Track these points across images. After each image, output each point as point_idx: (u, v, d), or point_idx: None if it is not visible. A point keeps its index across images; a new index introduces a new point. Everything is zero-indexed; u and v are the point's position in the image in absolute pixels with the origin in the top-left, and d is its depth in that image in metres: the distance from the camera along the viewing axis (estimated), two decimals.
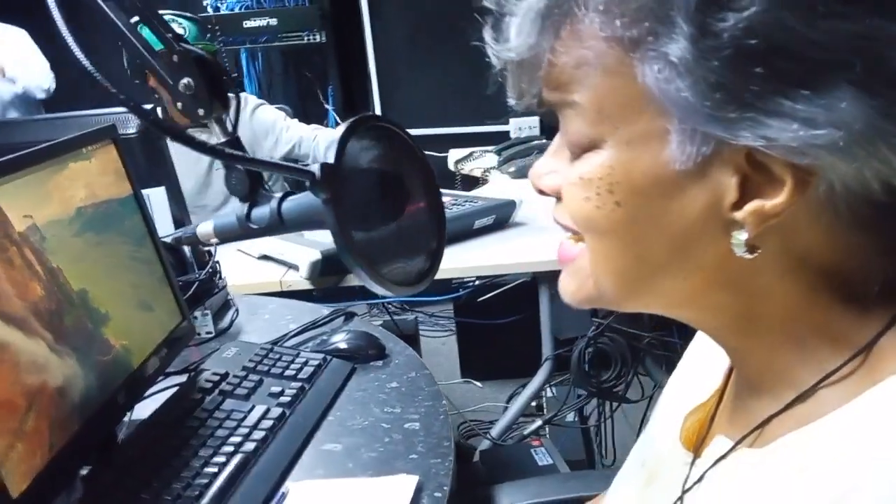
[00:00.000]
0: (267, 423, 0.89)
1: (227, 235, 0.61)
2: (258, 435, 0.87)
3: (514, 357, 2.37)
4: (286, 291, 1.55)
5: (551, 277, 1.63)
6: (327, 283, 1.54)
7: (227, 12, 2.91)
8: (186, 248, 1.25)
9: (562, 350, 1.71)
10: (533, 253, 1.54)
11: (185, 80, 0.57)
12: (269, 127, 2.41)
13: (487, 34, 0.45)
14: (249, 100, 2.45)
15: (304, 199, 0.56)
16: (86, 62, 0.43)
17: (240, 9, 2.90)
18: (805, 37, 0.35)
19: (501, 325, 2.32)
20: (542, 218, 1.76)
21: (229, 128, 0.62)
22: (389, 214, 0.54)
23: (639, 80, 0.39)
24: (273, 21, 2.89)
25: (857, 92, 0.35)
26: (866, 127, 0.35)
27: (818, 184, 0.38)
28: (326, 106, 3.13)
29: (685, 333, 1.66)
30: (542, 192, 0.49)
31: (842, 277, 0.42)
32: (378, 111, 3.04)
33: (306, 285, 1.55)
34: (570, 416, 1.98)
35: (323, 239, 1.59)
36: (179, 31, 2.25)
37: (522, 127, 2.69)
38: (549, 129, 2.77)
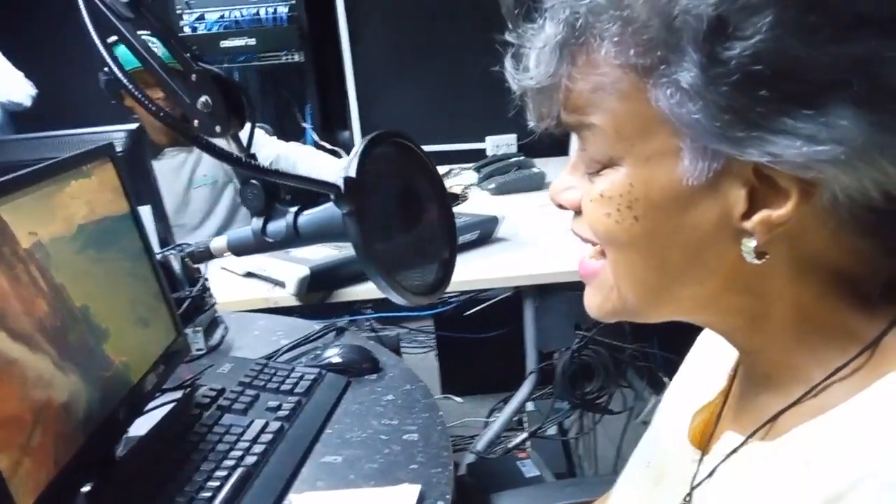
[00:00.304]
0: (267, 437, 0.90)
1: (241, 249, 0.62)
2: (258, 448, 0.88)
3: (493, 372, 2.38)
4: (272, 308, 1.55)
5: (535, 291, 1.66)
6: (314, 299, 1.55)
7: (204, 32, 2.91)
8: (176, 265, 1.26)
9: (545, 363, 1.74)
10: (517, 268, 1.57)
11: (203, 99, 0.59)
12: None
13: (508, 63, 0.49)
14: None
15: (320, 213, 0.58)
16: (129, 84, 0.44)
17: (218, 29, 2.91)
18: (807, 60, 0.38)
19: (481, 341, 2.34)
20: (525, 233, 1.79)
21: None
22: (406, 226, 0.56)
23: (652, 103, 0.42)
24: (251, 41, 2.90)
25: (856, 109, 0.38)
26: (866, 142, 0.38)
27: (822, 194, 0.41)
28: (304, 125, 3.14)
29: (665, 345, 1.70)
30: (561, 207, 0.52)
31: (848, 279, 0.45)
32: (357, 130, 3.05)
33: (293, 302, 1.55)
34: (551, 430, 2.01)
35: (310, 255, 1.60)
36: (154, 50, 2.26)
37: (500, 144, 2.73)
38: (526, 147, 2.82)
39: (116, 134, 1.55)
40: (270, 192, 0.61)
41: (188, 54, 0.60)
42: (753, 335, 0.49)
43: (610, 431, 2.00)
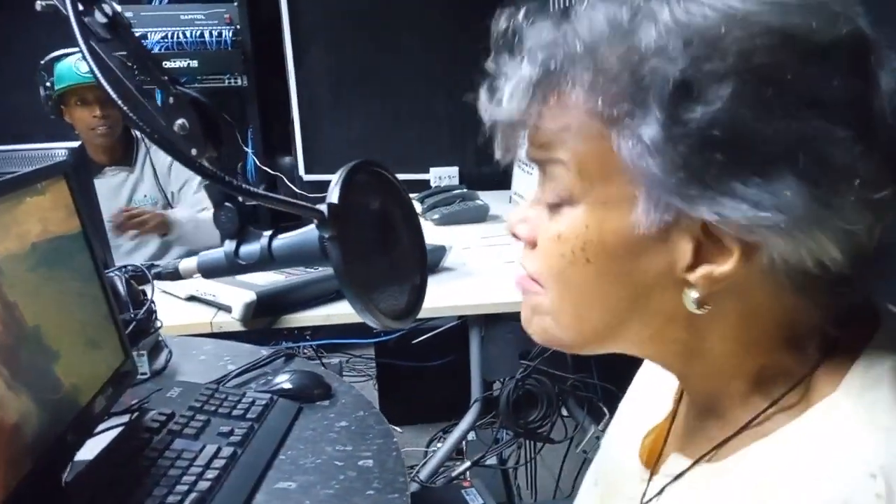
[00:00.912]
0: (220, 463, 0.89)
1: (212, 271, 0.63)
2: (212, 474, 0.87)
3: (432, 402, 2.39)
4: (214, 333, 1.53)
5: (481, 320, 1.69)
6: (260, 324, 1.54)
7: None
8: (120, 287, 1.23)
9: (487, 392, 1.76)
10: (463, 297, 1.59)
11: (180, 121, 0.59)
12: (187, 175, 2.36)
13: (482, 94, 0.51)
14: None
15: (296, 237, 0.59)
16: (121, 103, 0.45)
17: (160, 49, 2.87)
18: (760, 131, 0.41)
19: (420, 370, 2.35)
20: (471, 264, 1.82)
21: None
22: (382, 252, 0.58)
23: (615, 150, 0.45)
24: (193, 63, 2.88)
25: (800, 182, 0.41)
26: (806, 214, 0.41)
27: (761, 257, 0.44)
28: (245, 149, 3.12)
29: (604, 375, 1.75)
30: (516, 237, 0.54)
31: (784, 327, 0.49)
32: (300, 157, 3.05)
33: (237, 327, 1.54)
34: (490, 459, 2.02)
35: (257, 280, 1.58)
36: (87, 73, 2.21)
37: (442, 176, 2.77)
38: (468, 179, 2.87)
39: (58, 151, 1.52)
40: (244, 215, 0.62)
41: (165, 77, 0.60)
42: (693, 368, 0.53)
43: (548, 461, 2.03)
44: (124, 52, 0.62)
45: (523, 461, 1.92)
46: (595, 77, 0.44)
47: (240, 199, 0.62)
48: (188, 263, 0.64)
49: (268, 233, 0.62)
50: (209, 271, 0.63)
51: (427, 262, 0.64)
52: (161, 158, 2.36)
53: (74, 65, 2.17)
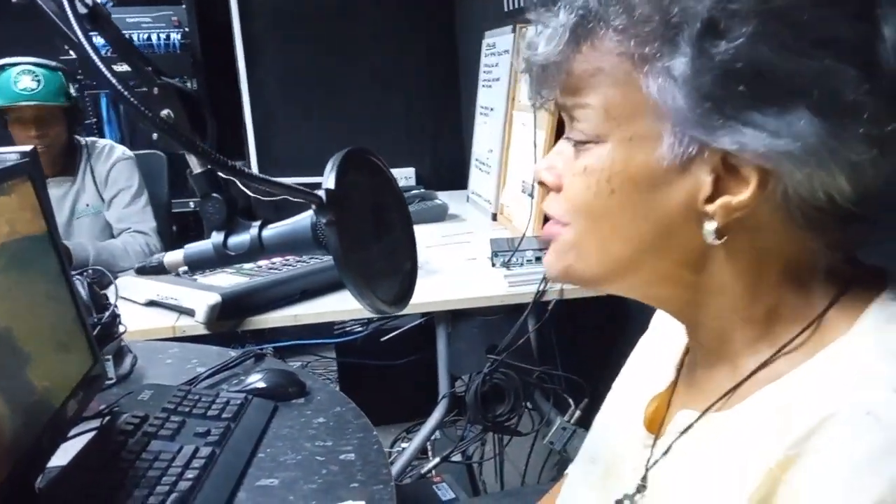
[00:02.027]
0: (199, 463, 0.88)
1: (200, 264, 0.62)
2: (192, 474, 0.85)
3: (395, 402, 2.39)
4: (179, 337, 1.50)
5: (447, 317, 1.70)
6: (224, 327, 1.52)
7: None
8: (83, 291, 1.21)
9: (452, 389, 1.77)
10: (429, 294, 1.60)
11: (165, 112, 0.59)
12: (122, 185, 2.31)
13: (523, 42, 0.54)
14: (117, 150, 2.36)
15: (288, 226, 0.59)
16: (116, 82, 0.44)
17: (107, 52, 2.80)
18: (778, 67, 0.45)
19: (384, 370, 2.35)
20: (434, 262, 1.83)
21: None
22: (376, 238, 0.58)
23: (643, 90, 0.48)
24: (155, 67, 2.81)
25: (813, 114, 0.45)
26: (817, 142, 0.45)
27: (777, 186, 0.47)
28: None
29: (570, 366, 1.78)
30: (542, 185, 0.56)
31: (794, 267, 0.52)
32: (254, 160, 3.01)
33: (201, 330, 1.51)
34: (456, 455, 2.03)
35: (220, 282, 1.56)
36: (33, 84, 2.13)
37: (399, 177, 2.77)
38: (425, 179, 2.89)
39: (10, 156, 1.47)
40: (232, 205, 0.62)
41: (149, 67, 0.60)
42: (703, 311, 0.55)
43: (512, 456, 2.05)
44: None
45: (489, 456, 1.93)
46: (628, 20, 0.47)
47: (228, 189, 0.62)
48: (174, 256, 0.64)
49: (256, 223, 0.61)
50: (197, 263, 0.63)
51: (416, 247, 0.65)
52: (100, 167, 2.30)
53: (14, 79, 2.08)
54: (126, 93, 0.46)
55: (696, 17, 0.45)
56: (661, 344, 0.69)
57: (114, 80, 0.46)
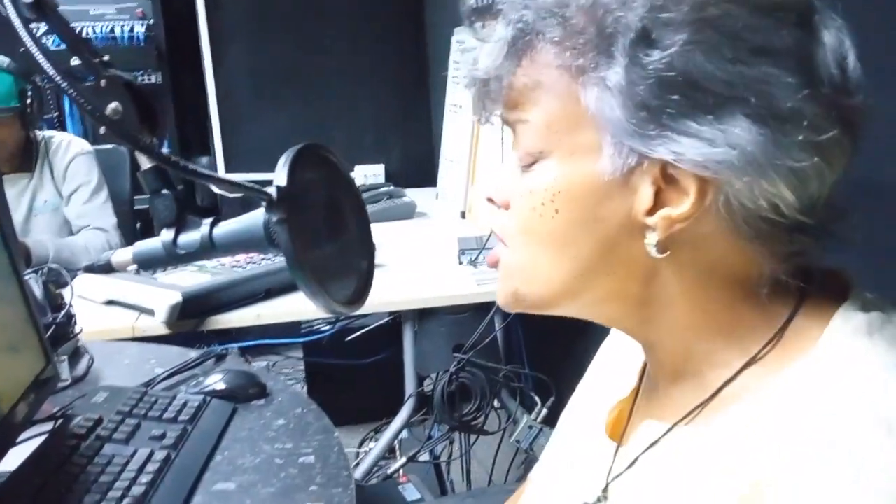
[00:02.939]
0: (153, 466, 0.85)
1: (149, 262, 0.60)
2: (145, 478, 0.83)
3: (363, 402, 2.37)
4: (139, 337, 1.47)
5: (414, 316, 1.68)
6: (185, 327, 1.49)
7: (52, 48, 2.73)
8: (37, 290, 1.17)
9: (419, 388, 1.76)
10: (395, 293, 1.59)
11: (113, 105, 0.57)
12: (80, 180, 2.25)
13: (461, 57, 0.54)
14: (75, 144, 2.30)
15: (240, 224, 0.58)
16: (54, 72, 0.42)
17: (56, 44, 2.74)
18: (712, 75, 0.44)
19: (352, 369, 2.33)
20: (401, 260, 1.81)
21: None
22: (330, 236, 0.57)
23: (582, 101, 0.48)
24: (107, 60, 2.75)
25: (750, 123, 0.44)
26: (756, 151, 0.44)
27: (717, 197, 0.46)
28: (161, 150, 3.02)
29: (537, 365, 1.78)
30: (491, 202, 0.56)
31: (743, 278, 0.51)
32: (219, 155, 2.97)
33: (161, 330, 1.48)
34: (423, 455, 2.02)
35: (181, 281, 1.53)
36: None
37: (368, 174, 2.75)
38: (393, 176, 2.87)
39: None
40: (183, 202, 0.60)
41: (97, 59, 0.58)
42: (656, 328, 0.54)
43: (479, 455, 2.04)
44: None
45: (456, 455, 1.93)
46: (564, 32, 0.48)
47: (178, 186, 0.60)
48: (122, 255, 0.61)
49: (208, 220, 0.60)
50: (146, 262, 0.61)
51: (374, 246, 0.63)
52: (58, 162, 2.25)
53: None
54: (64, 84, 0.44)
55: (629, 27, 0.45)
56: (623, 349, 0.68)
57: (52, 72, 0.44)
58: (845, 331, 0.48)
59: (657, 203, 0.48)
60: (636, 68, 0.45)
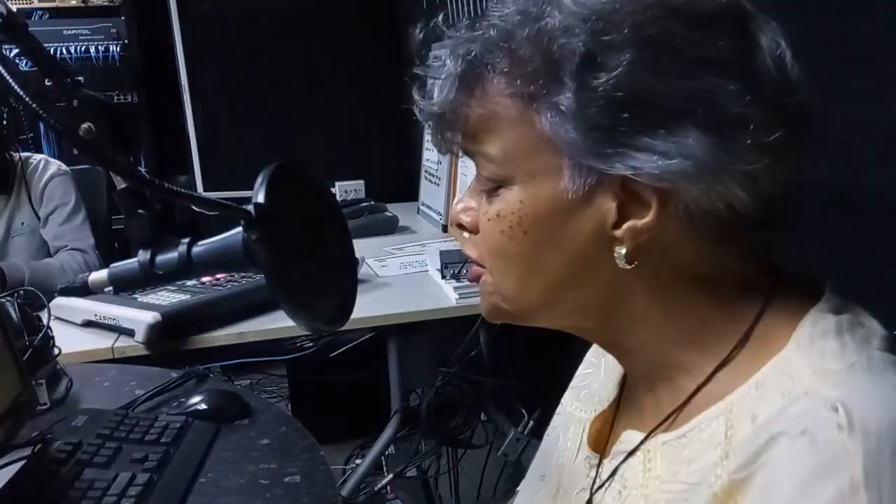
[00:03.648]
0: (135, 490, 0.84)
1: (125, 283, 0.59)
2: (128, 503, 0.82)
3: (348, 419, 2.35)
4: (119, 359, 1.45)
5: (398, 331, 1.67)
6: (166, 347, 1.47)
7: (26, 69, 2.71)
8: (13, 313, 1.15)
9: (405, 403, 1.74)
10: (378, 308, 1.58)
11: (85, 125, 0.56)
12: (58, 201, 2.23)
13: (415, 93, 0.55)
14: (52, 165, 2.28)
15: (218, 242, 0.57)
16: (23, 94, 0.42)
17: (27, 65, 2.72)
18: (659, 90, 0.46)
19: (336, 386, 2.31)
20: (383, 275, 1.81)
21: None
22: (310, 253, 0.56)
23: (537, 126, 0.49)
24: (79, 80, 2.73)
25: (701, 132, 0.46)
26: (708, 158, 0.46)
27: (677, 204, 0.48)
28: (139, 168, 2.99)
29: (522, 377, 1.77)
30: (460, 227, 0.58)
31: (709, 280, 0.52)
32: (198, 174, 2.95)
33: (142, 351, 1.46)
34: (411, 471, 2.01)
35: (161, 301, 1.51)
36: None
37: (349, 190, 2.74)
38: (374, 191, 2.86)
39: None
40: (159, 222, 0.59)
41: (69, 79, 0.57)
42: (630, 338, 0.55)
43: (467, 469, 2.03)
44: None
45: (444, 470, 1.91)
46: (511, 61, 0.49)
47: (155, 205, 0.59)
48: (98, 276, 0.60)
49: (185, 240, 0.59)
50: (122, 283, 0.60)
51: (356, 262, 0.63)
52: (35, 183, 2.22)
53: None
54: (34, 105, 0.43)
55: (574, 52, 0.47)
56: (603, 361, 0.69)
57: (20, 92, 0.43)
58: (815, 332, 0.49)
59: (621, 215, 0.50)
60: (586, 91, 0.47)
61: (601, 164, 0.48)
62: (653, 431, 0.54)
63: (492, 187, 0.54)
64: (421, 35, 0.59)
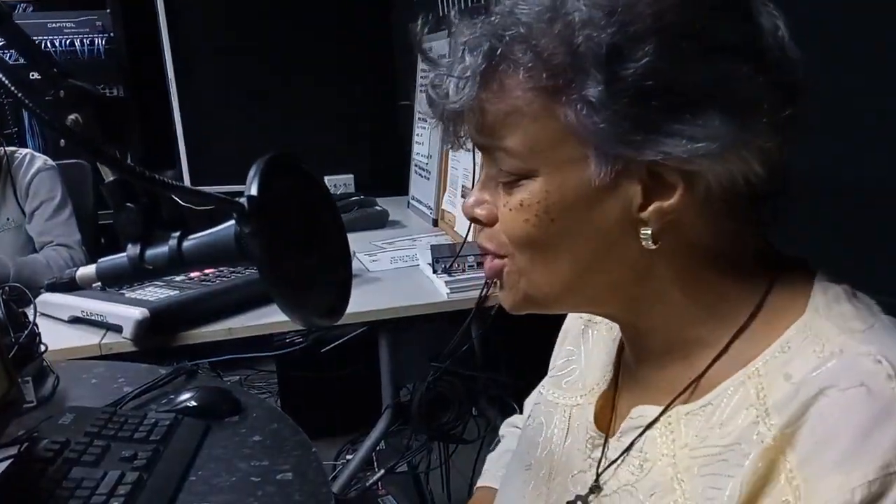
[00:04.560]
0: (124, 489, 0.82)
1: (114, 279, 0.58)
2: (117, 502, 0.80)
3: (338, 414, 2.34)
4: (106, 355, 1.43)
5: (390, 326, 1.66)
6: (154, 343, 1.45)
7: (11, 63, 2.67)
8: None
9: (396, 399, 1.74)
10: (370, 303, 1.57)
11: (73, 116, 0.55)
12: (44, 196, 2.20)
13: (430, 92, 0.54)
14: (38, 160, 2.25)
15: (210, 236, 0.56)
16: (11, 86, 0.40)
17: (13, 56, 2.68)
18: (684, 77, 0.47)
19: (326, 381, 2.30)
20: (374, 269, 1.79)
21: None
22: (305, 247, 0.55)
23: (560, 118, 0.49)
24: (65, 70, 2.70)
25: (723, 114, 0.47)
26: (732, 138, 0.48)
27: (700, 185, 0.50)
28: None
29: (513, 371, 1.76)
30: (476, 221, 0.57)
31: (725, 254, 0.54)
32: (185, 169, 2.92)
33: (129, 347, 1.44)
34: (401, 466, 2.00)
35: (149, 296, 1.50)
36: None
37: (338, 184, 2.72)
38: (364, 186, 2.84)
39: None
40: (149, 216, 0.58)
41: (55, 70, 0.55)
42: (652, 316, 0.56)
43: (458, 464, 2.03)
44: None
45: (435, 465, 1.91)
46: (535, 55, 0.49)
47: (143, 199, 0.57)
48: (86, 271, 0.59)
49: (175, 234, 0.58)
50: (111, 279, 0.58)
51: (351, 255, 0.62)
52: (20, 178, 2.19)
53: None
54: (21, 95, 0.42)
55: (600, 44, 0.47)
56: (583, 349, 0.70)
57: (7, 82, 0.41)
58: (829, 297, 0.52)
59: (646, 198, 0.51)
60: (616, 83, 0.47)
61: (630, 152, 0.49)
62: (671, 404, 0.55)
63: (512, 180, 0.53)
64: (425, 30, 0.59)
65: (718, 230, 0.53)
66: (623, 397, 0.63)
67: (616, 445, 0.59)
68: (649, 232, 0.51)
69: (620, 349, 0.66)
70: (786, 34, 0.51)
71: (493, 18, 0.51)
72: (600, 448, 0.60)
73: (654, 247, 0.51)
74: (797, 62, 0.51)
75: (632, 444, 0.57)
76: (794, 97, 0.50)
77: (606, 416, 0.63)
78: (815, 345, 0.49)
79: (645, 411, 0.57)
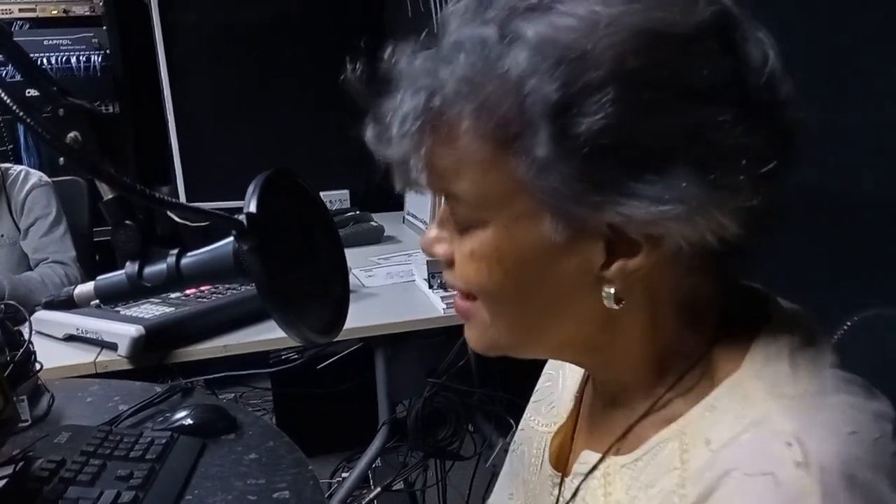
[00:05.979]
0: None
1: (112, 296, 0.58)
2: None
3: (336, 430, 2.32)
4: (101, 373, 1.42)
5: (386, 341, 1.66)
6: (150, 361, 1.44)
7: (9, 80, 2.67)
8: None
9: (392, 415, 1.73)
10: (365, 318, 1.56)
11: (72, 134, 0.55)
12: (38, 213, 2.19)
13: (370, 135, 0.50)
14: (32, 176, 2.24)
15: (208, 253, 0.56)
16: (11, 103, 0.40)
17: (11, 74, 2.68)
18: (646, 131, 0.42)
19: (321, 398, 2.29)
20: (369, 285, 1.79)
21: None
22: (302, 264, 0.55)
23: (512, 170, 0.45)
24: (64, 88, 2.70)
25: (694, 171, 0.42)
26: (703, 199, 0.43)
27: (668, 243, 0.45)
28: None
29: (509, 386, 1.76)
30: (434, 256, 0.54)
31: (688, 309, 0.51)
32: (181, 185, 2.92)
33: (124, 365, 1.43)
34: (397, 484, 1.98)
35: (144, 314, 1.49)
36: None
37: (333, 200, 2.73)
38: (360, 201, 2.85)
39: None
40: (147, 234, 0.58)
41: (55, 88, 0.56)
42: (615, 367, 0.54)
43: (454, 480, 2.02)
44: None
45: (432, 483, 1.90)
46: (479, 106, 0.44)
47: (140, 216, 0.58)
48: (84, 289, 0.59)
49: (174, 251, 0.58)
50: (109, 296, 0.58)
51: (348, 272, 0.62)
52: (15, 194, 2.19)
53: None
54: (21, 113, 0.42)
55: (547, 98, 0.42)
56: (560, 373, 0.69)
57: (7, 100, 0.42)
58: (769, 353, 0.48)
59: (609, 255, 0.46)
60: (566, 140, 0.42)
61: (586, 212, 0.44)
62: (606, 453, 0.53)
63: (464, 226, 0.49)
64: (381, 63, 0.52)
65: (682, 283, 0.49)
66: (580, 435, 0.61)
67: (570, 486, 0.57)
68: (612, 291, 0.47)
69: (586, 380, 0.64)
70: (777, 67, 0.45)
71: (435, 59, 0.46)
72: (558, 487, 0.59)
73: (616, 307, 0.47)
74: (788, 97, 0.45)
75: (577, 489, 0.55)
76: (780, 146, 0.45)
77: (566, 453, 0.61)
78: (740, 407, 0.46)
79: (588, 457, 0.55)
